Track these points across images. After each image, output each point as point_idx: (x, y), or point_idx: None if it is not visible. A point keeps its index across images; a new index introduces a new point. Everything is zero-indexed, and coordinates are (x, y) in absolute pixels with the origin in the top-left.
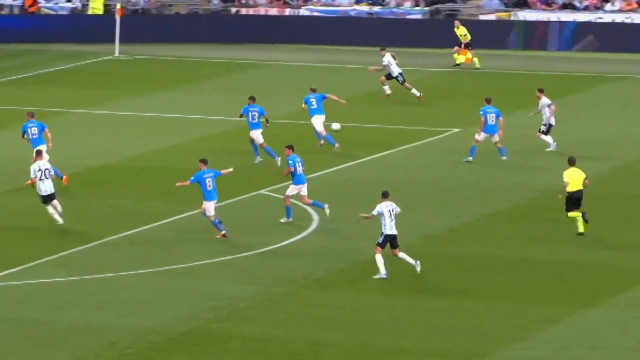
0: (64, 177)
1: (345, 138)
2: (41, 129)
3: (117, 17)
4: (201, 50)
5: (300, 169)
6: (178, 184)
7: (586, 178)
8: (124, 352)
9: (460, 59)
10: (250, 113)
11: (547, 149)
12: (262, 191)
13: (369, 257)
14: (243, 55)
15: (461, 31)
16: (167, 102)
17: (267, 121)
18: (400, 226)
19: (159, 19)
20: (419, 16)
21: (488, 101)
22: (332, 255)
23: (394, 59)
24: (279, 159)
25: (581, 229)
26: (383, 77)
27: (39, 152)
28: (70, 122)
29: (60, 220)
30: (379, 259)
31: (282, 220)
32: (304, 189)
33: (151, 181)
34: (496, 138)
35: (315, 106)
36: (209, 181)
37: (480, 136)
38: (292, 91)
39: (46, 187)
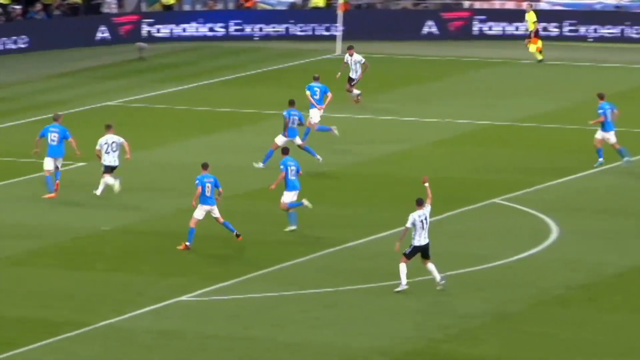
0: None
1: (586, 143)
2: (62, 137)
3: (340, 13)
4: (432, 48)
5: (292, 174)
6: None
7: None
8: None
9: (531, 48)
10: (291, 118)
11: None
12: (496, 200)
13: (614, 272)
14: (476, 52)
15: (531, 17)
16: (394, 104)
17: (300, 125)
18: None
19: (385, 14)
20: None
21: (601, 97)
22: (572, 269)
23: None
24: (320, 158)
25: None
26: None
27: (109, 126)
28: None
29: (99, 191)
30: (403, 268)
31: (288, 229)
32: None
33: (379, 189)
34: (613, 138)
35: (317, 97)
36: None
37: (600, 135)
38: (530, 92)
39: (110, 159)
